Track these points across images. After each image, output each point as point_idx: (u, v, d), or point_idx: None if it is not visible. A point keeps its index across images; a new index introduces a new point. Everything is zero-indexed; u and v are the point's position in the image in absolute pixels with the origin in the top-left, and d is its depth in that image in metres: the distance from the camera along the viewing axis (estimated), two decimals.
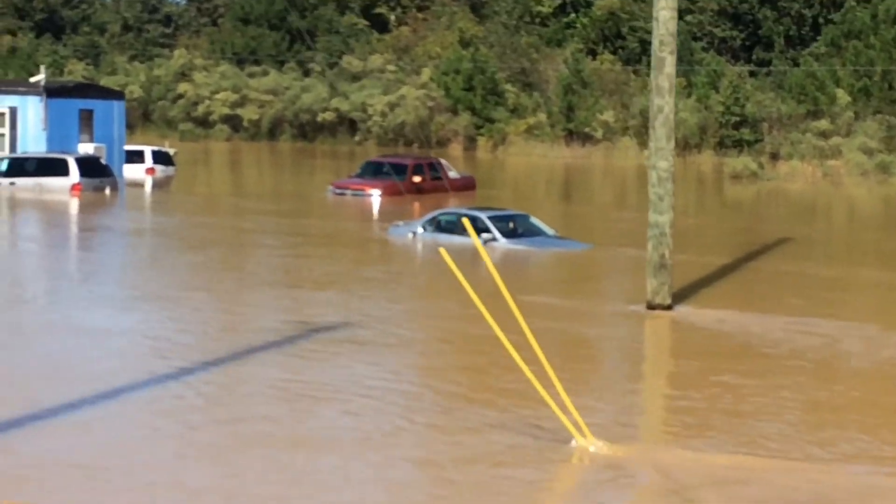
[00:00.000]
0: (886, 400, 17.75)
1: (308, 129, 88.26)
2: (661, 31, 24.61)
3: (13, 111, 54.72)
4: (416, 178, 50.37)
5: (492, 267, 15.47)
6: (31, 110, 54.63)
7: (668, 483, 13.75)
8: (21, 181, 48.68)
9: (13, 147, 53.31)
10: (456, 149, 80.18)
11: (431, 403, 17.07)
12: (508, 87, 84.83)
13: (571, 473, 14.38)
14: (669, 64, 24.51)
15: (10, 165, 49.82)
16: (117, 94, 60.93)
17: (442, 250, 16.99)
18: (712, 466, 14.21)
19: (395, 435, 15.76)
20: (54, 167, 48.97)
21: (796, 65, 78.24)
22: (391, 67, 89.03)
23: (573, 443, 14.67)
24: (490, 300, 15.43)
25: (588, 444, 14.74)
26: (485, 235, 32.72)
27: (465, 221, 19.17)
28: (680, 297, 25.13)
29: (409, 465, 14.43)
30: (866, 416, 16.90)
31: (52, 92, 55.54)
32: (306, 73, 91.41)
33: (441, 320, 23.40)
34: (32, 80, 59.31)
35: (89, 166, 49.58)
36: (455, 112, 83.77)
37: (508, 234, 33.09)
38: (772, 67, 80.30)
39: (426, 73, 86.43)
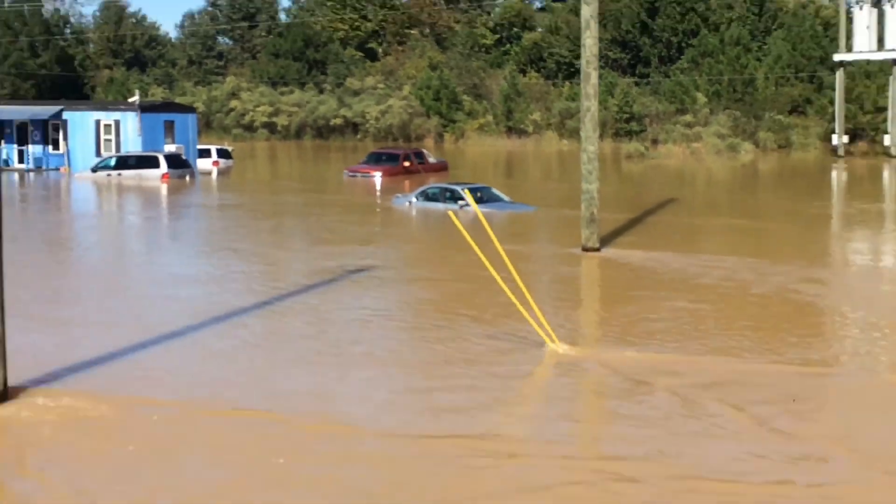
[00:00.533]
0: (782, 312, 17.89)
1: (323, 131, 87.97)
2: (587, 53, 24.64)
3: (117, 123, 54.56)
4: (406, 164, 50.35)
5: (487, 226, 15.55)
6: (130, 122, 54.40)
7: (617, 373, 13.88)
8: (125, 173, 48.61)
9: (118, 148, 53.32)
10: (429, 142, 79.90)
11: (440, 320, 17.19)
12: (465, 97, 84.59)
13: (544, 368, 14.51)
14: (594, 77, 24.61)
15: (117, 161, 49.84)
16: (190, 109, 60.69)
17: (451, 213, 17.14)
18: (652, 362, 14.34)
19: (419, 342, 15.88)
20: (149, 162, 48.94)
21: (667, 77, 78.29)
22: (381, 85, 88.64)
23: (545, 346, 14.82)
24: (486, 248, 15.55)
25: (556, 347, 14.90)
26: (461, 203, 32.75)
27: (467, 193, 19.38)
28: (604, 242, 25.30)
29: (430, 365, 14.55)
30: (767, 323, 17.07)
31: (145, 108, 55.38)
32: (321, 91, 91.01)
33: (447, 264, 23.43)
34: (130, 100, 59.06)
35: (173, 161, 49.62)
36: (428, 116, 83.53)
37: (476, 201, 33.11)
38: (650, 79, 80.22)
39: (406, 89, 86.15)
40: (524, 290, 15.45)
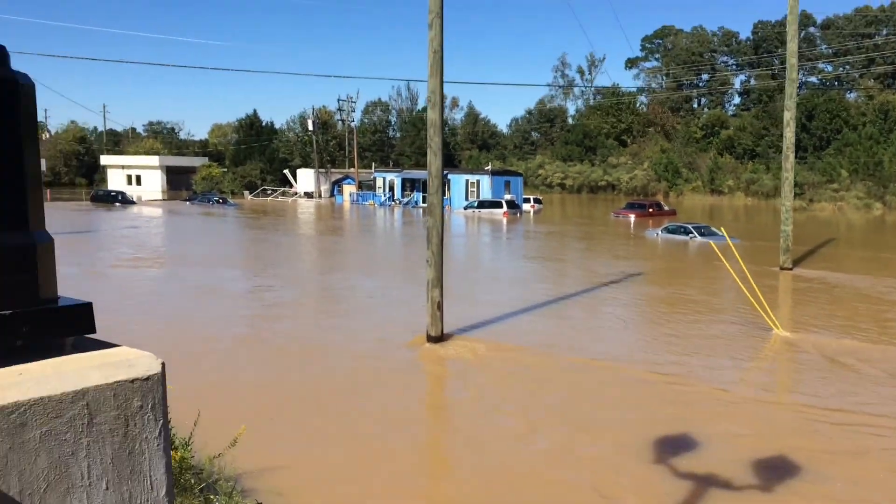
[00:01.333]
0: None
1: (594, 189, 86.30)
2: (787, 142, 22.67)
3: (478, 181, 55.63)
4: (650, 210, 48.47)
5: (734, 249, 14.45)
6: (485, 181, 55.31)
7: (821, 353, 12.52)
8: (483, 210, 49.45)
9: (478, 196, 54.22)
10: (661, 197, 76.87)
11: (691, 311, 16.15)
12: (683, 169, 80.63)
13: (771, 345, 13.34)
14: (791, 158, 22.62)
15: (478, 203, 50.69)
16: (518, 174, 61.19)
17: (712, 243, 16.01)
18: (844, 345, 12.88)
19: (687, 323, 14.95)
20: (496, 204, 49.52)
21: (820, 159, 71.56)
22: (629, 162, 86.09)
23: (773, 332, 13.63)
24: (711, 263, 14.46)
25: (780, 332, 13.70)
26: (691, 235, 31.07)
27: (723, 230, 18.06)
28: (795, 263, 23.17)
29: (697, 338, 13.62)
30: None
31: (493, 173, 56.20)
32: (592, 164, 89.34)
33: (689, 274, 21.85)
34: (485, 168, 60.14)
35: (510, 204, 49.89)
36: (659, 181, 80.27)
37: (702, 235, 31.28)
38: (807, 160, 73.62)
39: (645, 164, 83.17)
40: (758, 291, 14.29)
